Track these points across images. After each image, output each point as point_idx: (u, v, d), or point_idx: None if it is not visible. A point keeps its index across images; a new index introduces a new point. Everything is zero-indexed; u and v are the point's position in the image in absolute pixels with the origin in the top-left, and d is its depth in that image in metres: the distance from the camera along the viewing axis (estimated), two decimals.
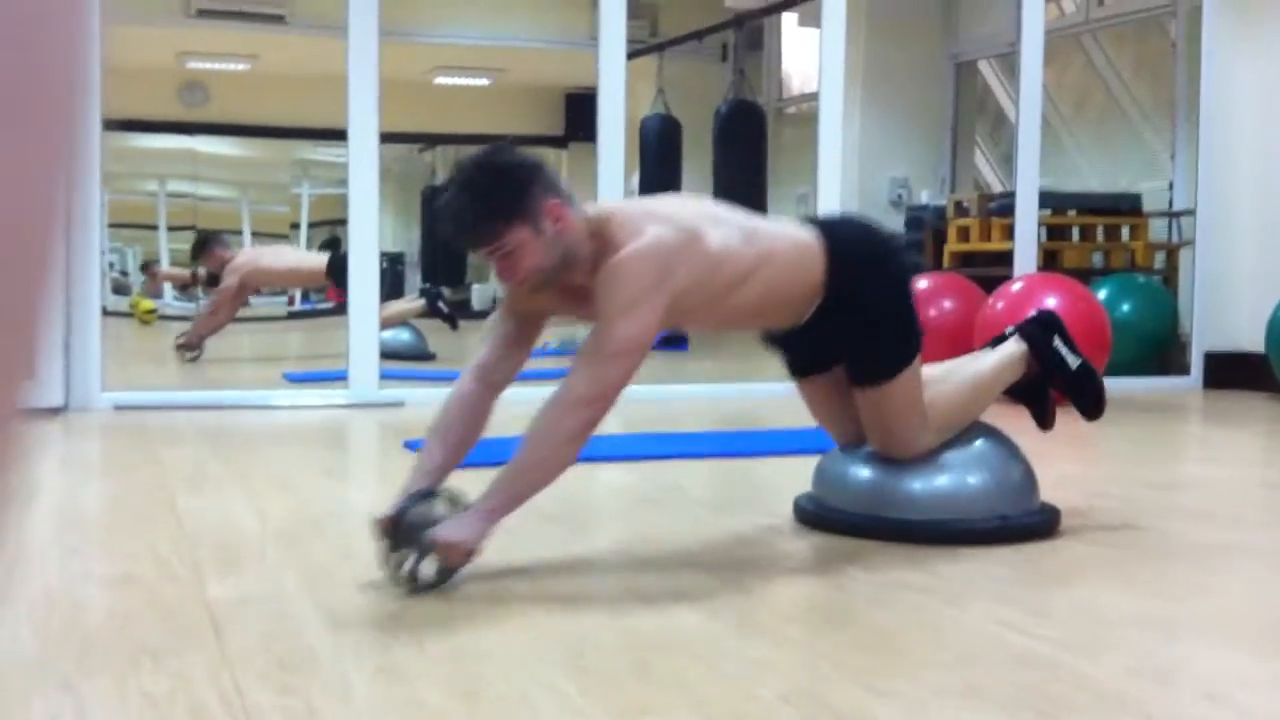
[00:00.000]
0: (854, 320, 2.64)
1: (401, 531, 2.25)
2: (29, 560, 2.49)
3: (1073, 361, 2.86)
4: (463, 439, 2.43)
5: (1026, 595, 2.29)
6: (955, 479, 2.71)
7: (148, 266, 11.31)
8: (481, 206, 2.32)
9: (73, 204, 0.56)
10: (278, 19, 9.37)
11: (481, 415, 2.45)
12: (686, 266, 2.38)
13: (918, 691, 1.73)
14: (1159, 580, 2.43)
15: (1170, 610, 2.21)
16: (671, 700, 1.69)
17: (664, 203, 2.55)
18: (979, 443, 2.77)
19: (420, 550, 2.23)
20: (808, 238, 2.60)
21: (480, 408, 2.45)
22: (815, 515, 2.84)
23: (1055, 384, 2.88)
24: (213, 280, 8.07)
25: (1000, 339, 2.91)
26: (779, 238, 2.58)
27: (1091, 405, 2.89)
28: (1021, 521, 2.73)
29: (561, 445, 2.32)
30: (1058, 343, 2.85)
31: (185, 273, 11.86)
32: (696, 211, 2.52)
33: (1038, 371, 2.86)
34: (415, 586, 2.23)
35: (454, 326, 8.02)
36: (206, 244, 8.35)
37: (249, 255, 8.19)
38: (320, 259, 8.12)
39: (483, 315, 11.86)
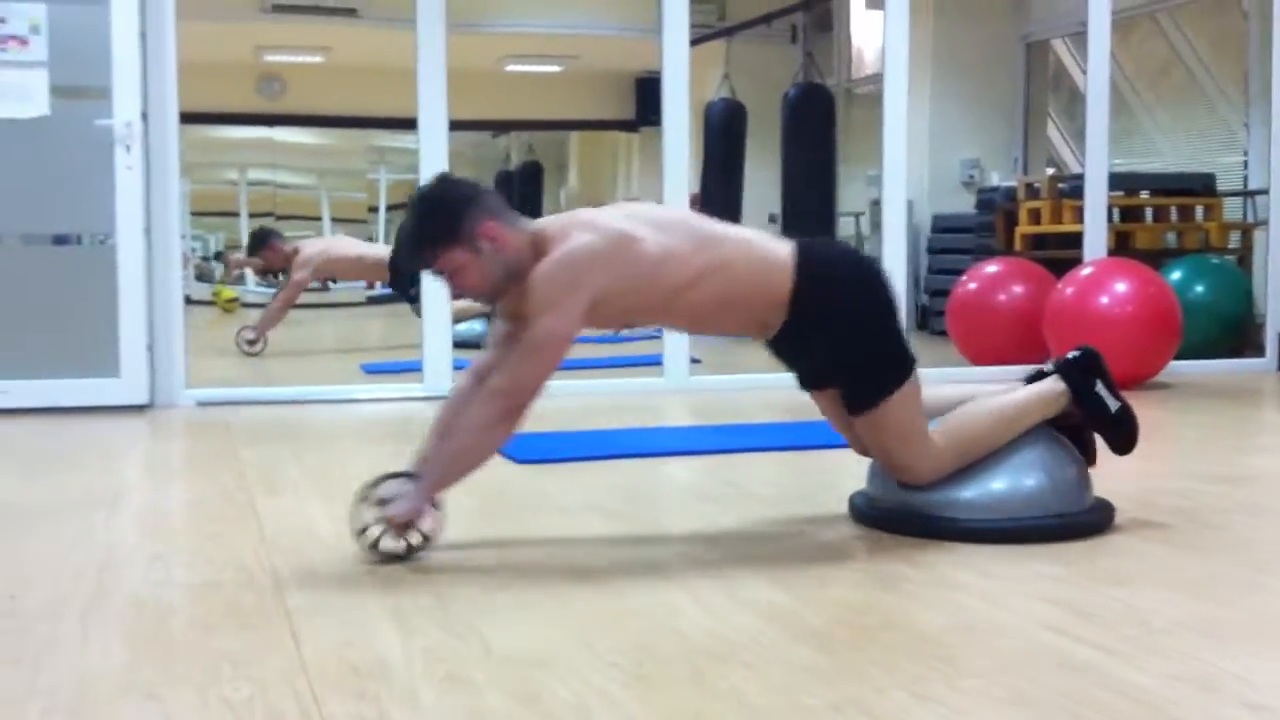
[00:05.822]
0: (828, 343, 2.74)
1: (365, 505, 2.63)
2: (117, 567, 2.62)
3: (1113, 405, 2.88)
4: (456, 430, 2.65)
5: (1075, 597, 2.33)
6: (1011, 481, 2.76)
7: (223, 255, 11.42)
8: (418, 234, 2.59)
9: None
10: (350, 12, 9.51)
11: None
12: (612, 268, 2.56)
13: (960, 700, 1.79)
14: (1210, 581, 2.46)
15: (1218, 613, 2.24)
16: (724, 709, 1.77)
17: (604, 211, 2.71)
18: (1034, 444, 2.81)
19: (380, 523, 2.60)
20: (779, 253, 2.70)
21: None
22: (869, 514, 2.90)
23: (1094, 426, 2.89)
24: (268, 272, 8.01)
25: (1038, 375, 2.92)
26: (741, 247, 2.69)
27: (1125, 445, 2.92)
28: (1078, 519, 2.77)
29: (482, 434, 2.57)
30: (1099, 387, 2.87)
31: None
32: (638, 216, 2.67)
33: (1078, 415, 2.88)
34: (379, 555, 2.59)
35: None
36: (264, 239, 8.10)
37: (319, 246, 8.05)
38: (384, 250, 8.08)
39: None
